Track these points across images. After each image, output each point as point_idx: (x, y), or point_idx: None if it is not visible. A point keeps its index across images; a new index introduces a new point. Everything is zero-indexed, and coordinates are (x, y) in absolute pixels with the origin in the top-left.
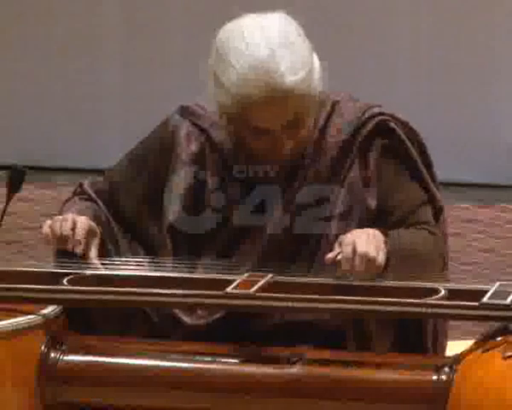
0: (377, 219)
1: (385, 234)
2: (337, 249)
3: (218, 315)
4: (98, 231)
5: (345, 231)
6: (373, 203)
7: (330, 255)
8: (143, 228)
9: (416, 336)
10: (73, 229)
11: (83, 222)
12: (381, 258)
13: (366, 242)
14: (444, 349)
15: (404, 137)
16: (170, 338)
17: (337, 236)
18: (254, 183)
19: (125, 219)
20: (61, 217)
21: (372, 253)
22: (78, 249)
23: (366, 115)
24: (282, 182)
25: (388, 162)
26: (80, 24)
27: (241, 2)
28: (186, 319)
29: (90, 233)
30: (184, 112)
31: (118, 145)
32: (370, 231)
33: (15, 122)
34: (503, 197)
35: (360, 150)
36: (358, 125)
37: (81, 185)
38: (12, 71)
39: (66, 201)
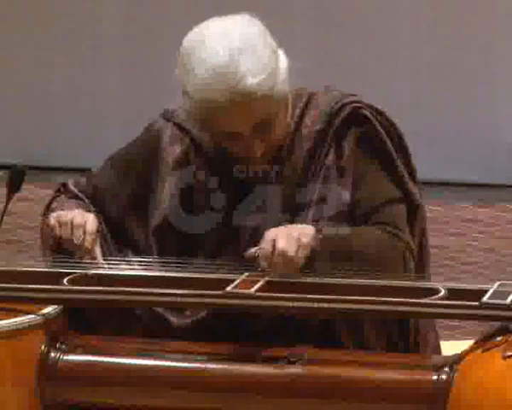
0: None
1: (318, 231)
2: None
3: (203, 313)
4: (100, 231)
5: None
6: (348, 195)
7: (252, 250)
8: (129, 233)
9: (398, 329)
10: (83, 234)
11: (92, 223)
12: (300, 257)
13: (287, 239)
14: (427, 343)
15: (379, 127)
16: (161, 339)
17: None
18: (238, 182)
19: (110, 222)
20: (70, 216)
21: (291, 252)
22: (84, 257)
23: (340, 104)
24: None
25: (362, 152)
26: (80, 24)
27: (241, 1)
28: (173, 319)
29: (97, 235)
30: (167, 115)
31: (118, 145)
32: (298, 226)
33: (15, 122)
34: (503, 197)
35: (336, 140)
36: (332, 114)
37: (65, 185)
38: (12, 71)
39: (53, 199)
